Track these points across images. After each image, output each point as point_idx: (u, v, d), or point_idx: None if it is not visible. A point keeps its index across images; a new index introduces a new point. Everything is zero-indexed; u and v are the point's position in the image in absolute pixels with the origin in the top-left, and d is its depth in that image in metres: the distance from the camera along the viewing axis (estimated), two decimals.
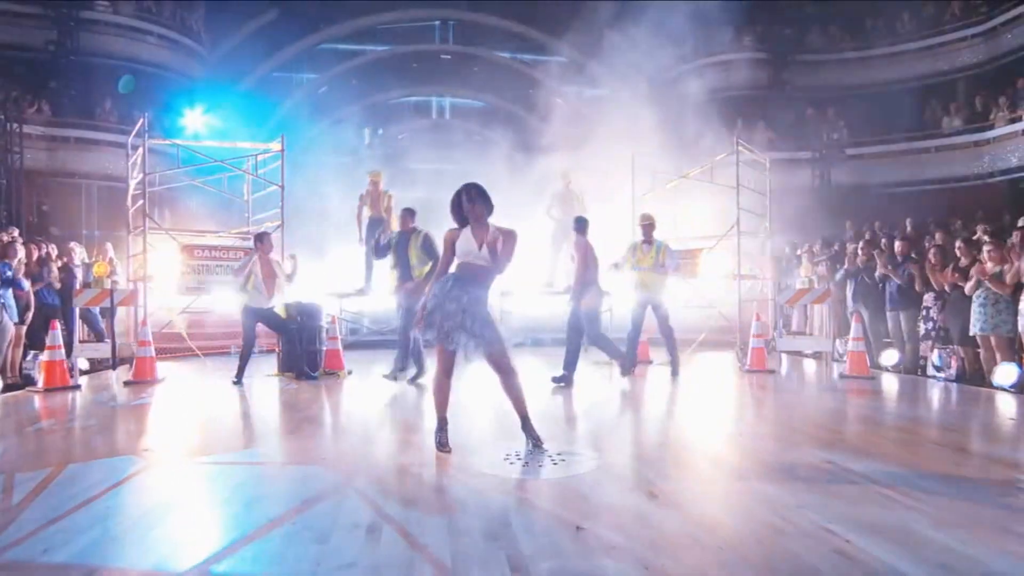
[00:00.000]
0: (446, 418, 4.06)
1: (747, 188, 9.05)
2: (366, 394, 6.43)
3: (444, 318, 3.77)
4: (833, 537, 2.61)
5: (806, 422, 4.88)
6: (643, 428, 4.64)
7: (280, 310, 6.87)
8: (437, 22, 18.83)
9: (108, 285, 6.87)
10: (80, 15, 12.15)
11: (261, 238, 6.78)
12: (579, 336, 6.36)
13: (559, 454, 3.90)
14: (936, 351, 6.67)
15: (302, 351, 6.94)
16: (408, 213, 6.71)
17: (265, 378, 7.19)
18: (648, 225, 7.64)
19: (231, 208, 9.50)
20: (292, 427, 4.83)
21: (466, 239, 3.91)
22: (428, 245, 6.29)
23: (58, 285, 7.76)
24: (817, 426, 4.74)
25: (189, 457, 4.01)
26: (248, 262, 6.70)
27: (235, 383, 6.60)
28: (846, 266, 8.42)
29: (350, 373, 7.54)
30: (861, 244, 8.30)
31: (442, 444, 3.98)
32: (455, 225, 3.98)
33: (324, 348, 7.46)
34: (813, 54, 13.80)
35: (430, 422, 4.73)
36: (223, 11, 15.09)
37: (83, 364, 7.28)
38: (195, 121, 13.05)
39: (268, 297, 6.63)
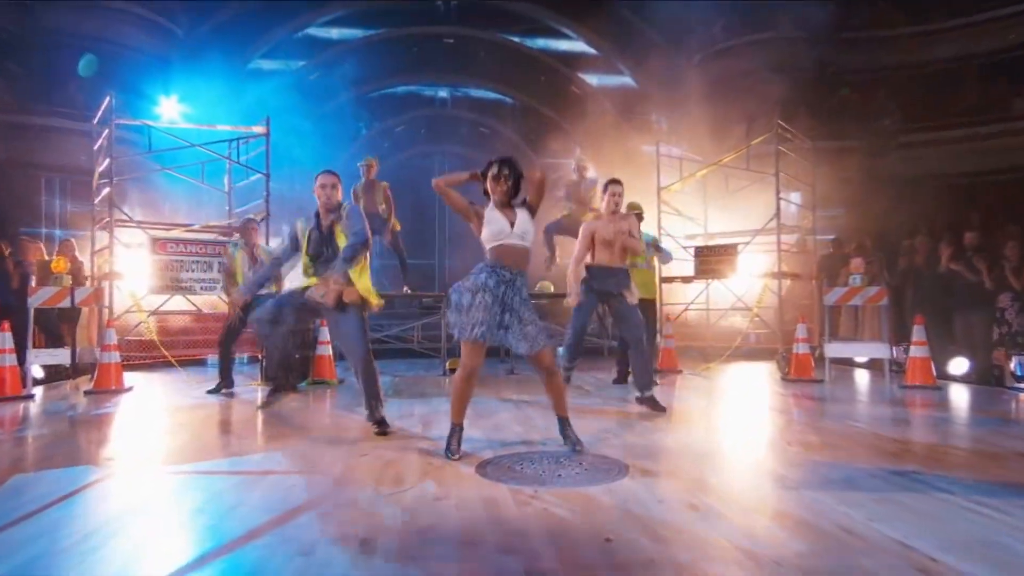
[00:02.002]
0: (462, 425, 3.99)
1: (788, 175, 8.90)
2: (360, 404, 6.26)
3: (481, 314, 3.71)
4: (914, 554, 2.44)
5: (865, 433, 4.69)
6: (677, 437, 4.46)
7: None
8: (439, 2, 18.84)
9: (68, 283, 6.77)
10: None
11: (245, 225, 6.69)
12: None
13: (584, 462, 3.76)
14: (1015, 359, 6.46)
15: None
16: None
17: (248, 387, 7.08)
18: (635, 215, 7.58)
19: (210, 200, 9.42)
20: (276, 437, 4.69)
21: (494, 218, 3.85)
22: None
23: (15, 284, 7.71)
24: (878, 437, 4.55)
25: (157, 466, 3.87)
26: (230, 263, 6.64)
27: (210, 392, 6.49)
28: (903, 264, 8.25)
29: (341, 382, 7.42)
30: (920, 238, 8.13)
31: (452, 451, 3.89)
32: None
33: (313, 354, 7.35)
34: (859, 31, 13.64)
35: (437, 430, 4.65)
36: None
37: (38, 372, 7.17)
38: (170, 109, 12.99)
39: None
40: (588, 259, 5.55)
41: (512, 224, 3.84)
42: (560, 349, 5.91)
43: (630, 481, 3.42)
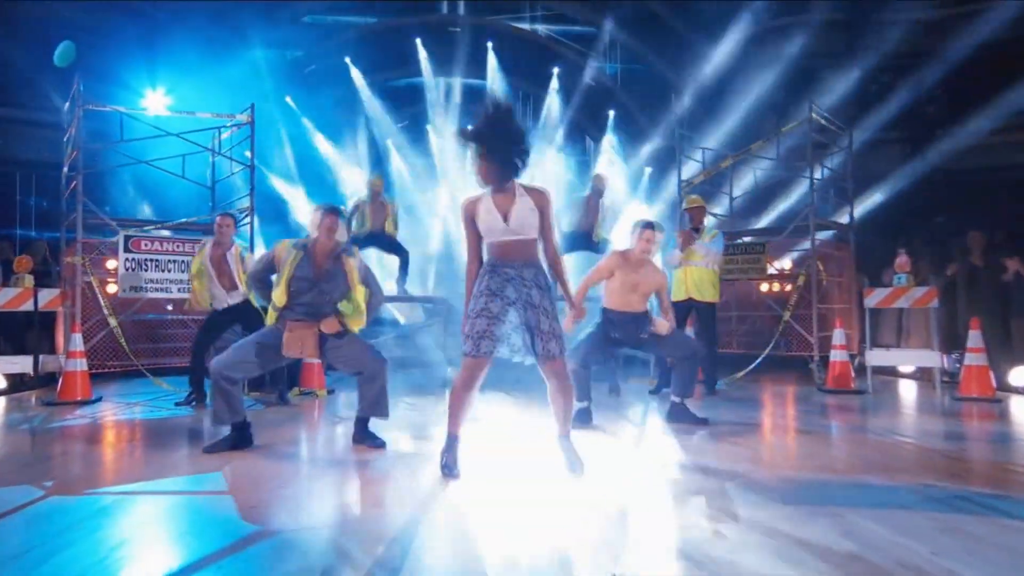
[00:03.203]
0: (459, 435, 3.64)
1: (824, 166, 8.56)
2: (348, 416, 5.98)
3: (485, 324, 3.42)
4: None
5: (918, 450, 4.34)
6: (703, 453, 4.13)
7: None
8: None
9: (29, 283, 6.55)
10: None
11: (217, 220, 6.40)
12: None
13: (597, 482, 3.45)
14: None
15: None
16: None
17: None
18: (698, 208, 7.28)
19: (193, 196, 9.19)
20: (245, 453, 4.41)
21: (487, 211, 3.47)
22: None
23: None
24: (934, 454, 4.20)
25: (103, 487, 3.59)
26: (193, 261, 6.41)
27: (179, 404, 6.24)
28: (953, 263, 7.88)
29: (331, 393, 7.16)
30: (974, 234, 7.76)
31: (449, 467, 3.56)
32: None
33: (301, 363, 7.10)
34: (900, 12, 13.27)
35: (431, 446, 4.35)
36: None
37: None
38: (155, 103, 12.88)
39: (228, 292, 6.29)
40: (610, 300, 5.24)
41: (505, 217, 3.44)
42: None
43: (649, 504, 3.12)
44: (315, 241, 4.39)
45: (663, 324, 5.10)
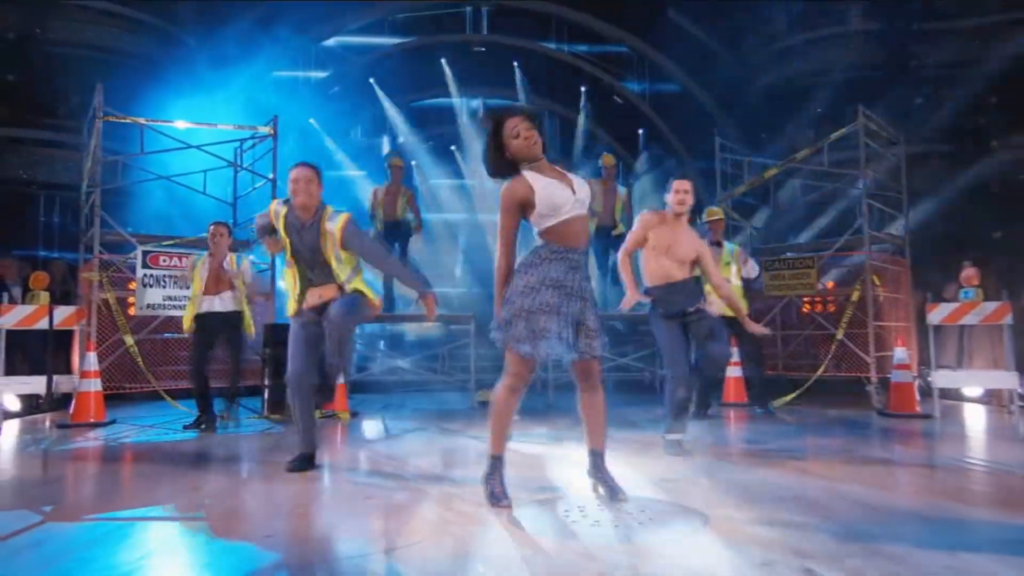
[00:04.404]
0: (503, 458, 3.23)
1: (875, 174, 8.14)
2: (374, 440, 5.64)
3: (544, 320, 3.00)
4: None
5: (1013, 482, 3.88)
6: (765, 480, 3.70)
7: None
8: (468, 8, 18.65)
9: (45, 300, 6.34)
10: None
11: (211, 229, 6.21)
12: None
13: (644, 511, 3.06)
14: None
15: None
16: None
17: (248, 421, 6.56)
18: (718, 221, 6.96)
19: (212, 213, 9.01)
20: (258, 479, 4.08)
21: (546, 186, 3.05)
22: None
23: None
24: None
25: (104, 512, 3.28)
26: (189, 271, 6.23)
27: (188, 428, 5.97)
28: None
29: (354, 416, 6.84)
30: None
31: (497, 496, 3.14)
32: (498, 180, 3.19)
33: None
34: (946, 21, 12.85)
35: (461, 471, 4.01)
36: None
37: (12, 403, 6.73)
38: (179, 125, 12.87)
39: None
40: (646, 272, 4.65)
41: (572, 189, 3.08)
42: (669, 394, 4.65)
43: (708, 537, 2.72)
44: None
45: (717, 303, 4.64)
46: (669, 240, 4.54)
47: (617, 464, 3.53)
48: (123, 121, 7.38)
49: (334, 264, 3.98)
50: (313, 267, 4.02)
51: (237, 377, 6.54)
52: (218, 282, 6.11)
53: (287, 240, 4.02)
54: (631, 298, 4.24)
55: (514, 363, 3.08)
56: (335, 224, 3.94)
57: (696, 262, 4.58)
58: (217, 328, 6.12)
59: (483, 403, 7.13)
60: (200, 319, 6.08)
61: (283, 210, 4.03)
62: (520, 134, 3.06)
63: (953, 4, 12.80)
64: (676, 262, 4.54)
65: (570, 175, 3.16)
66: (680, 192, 4.57)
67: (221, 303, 6.10)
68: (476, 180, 16.25)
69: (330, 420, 6.56)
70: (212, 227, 6.19)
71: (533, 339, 2.99)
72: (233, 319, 6.18)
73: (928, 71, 12.84)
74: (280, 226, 4.01)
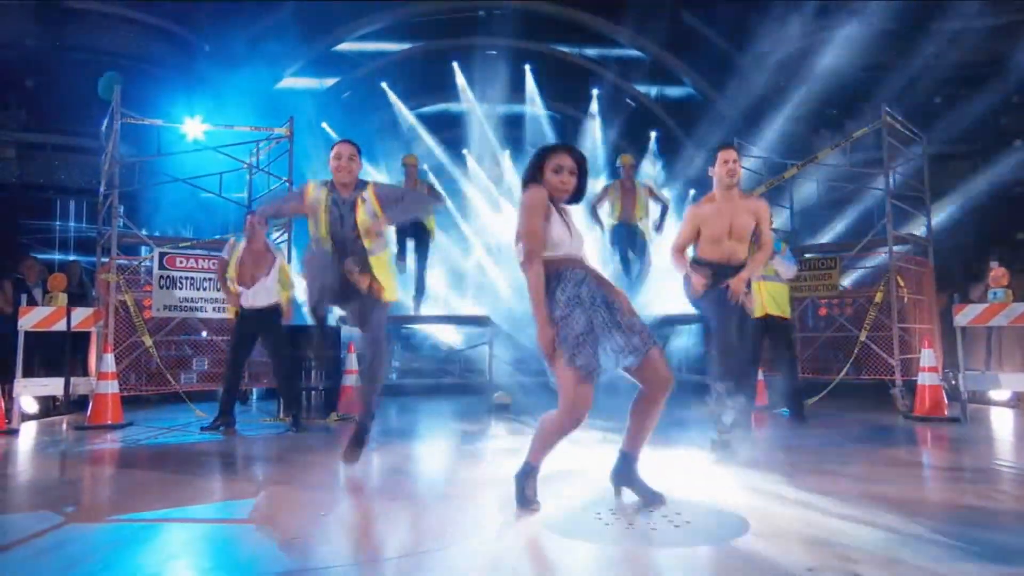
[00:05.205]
0: (539, 468, 3.13)
1: (898, 173, 8.01)
2: (393, 443, 5.57)
3: (583, 323, 2.90)
4: None
5: None
6: (797, 484, 3.58)
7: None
8: (481, 12, 18.63)
9: (63, 302, 6.31)
10: (66, 3, 12.21)
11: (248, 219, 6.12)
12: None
13: (680, 513, 2.96)
14: None
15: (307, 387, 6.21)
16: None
17: (261, 424, 6.49)
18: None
19: (228, 215, 9.03)
20: (279, 482, 4.02)
21: (559, 222, 3.06)
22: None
23: (9, 309, 7.37)
24: None
25: (126, 513, 3.23)
26: (228, 254, 6.07)
27: (205, 429, 5.87)
28: None
29: (372, 418, 6.75)
30: None
31: (528, 499, 3.05)
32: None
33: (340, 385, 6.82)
34: (962, 19, 12.70)
35: (487, 473, 3.92)
36: (231, 2, 15.14)
37: (30, 405, 6.70)
38: (195, 129, 12.90)
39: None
40: (699, 249, 4.42)
41: (570, 231, 3.08)
42: (715, 391, 4.42)
43: (748, 544, 2.61)
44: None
45: (752, 301, 4.45)
46: (727, 221, 4.30)
47: (647, 464, 3.44)
48: (140, 123, 7.36)
49: (369, 242, 4.00)
50: (349, 248, 4.00)
51: (288, 383, 6.26)
52: (256, 265, 5.94)
53: (325, 220, 3.99)
54: (700, 280, 4.13)
55: (571, 389, 2.88)
56: (367, 192, 4.04)
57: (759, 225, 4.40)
58: (255, 327, 5.99)
59: (500, 405, 7.04)
60: (240, 315, 5.99)
61: (322, 192, 4.05)
62: (562, 172, 3.08)
63: (971, 2, 12.65)
64: (737, 240, 4.34)
65: (572, 221, 3.15)
66: (729, 162, 4.32)
67: (256, 296, 5.90)
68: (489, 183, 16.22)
69: (347, 423, 6.49)
70: (249, 216, 6.13)
71: (589, 366, 2.86)
72: (268, 317, 5.97)
73: (944, 68, 12.68)
74: (321, 209, 4.01)
